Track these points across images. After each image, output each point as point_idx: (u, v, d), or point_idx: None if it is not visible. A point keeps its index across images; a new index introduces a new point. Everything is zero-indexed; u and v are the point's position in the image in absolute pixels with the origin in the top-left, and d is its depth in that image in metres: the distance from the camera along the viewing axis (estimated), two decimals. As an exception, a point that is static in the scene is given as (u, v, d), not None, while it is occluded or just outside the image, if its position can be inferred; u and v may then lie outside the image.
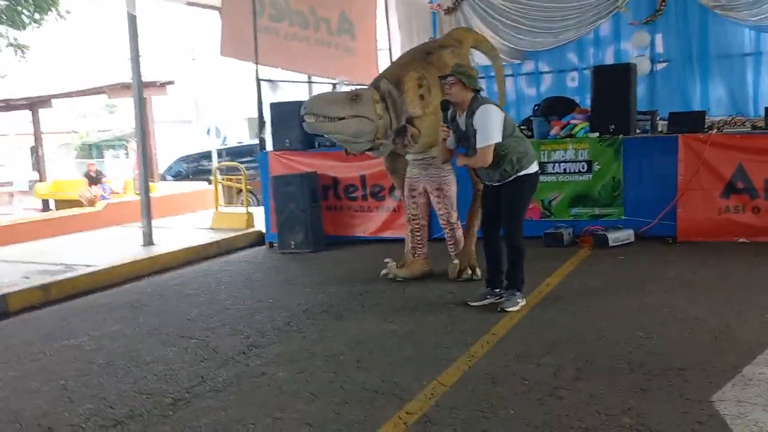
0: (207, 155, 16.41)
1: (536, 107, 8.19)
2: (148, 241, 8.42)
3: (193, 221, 10.45)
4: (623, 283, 5.48)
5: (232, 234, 8.92)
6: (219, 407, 3.52)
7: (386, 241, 7.73)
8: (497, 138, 4.72)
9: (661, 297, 5.03)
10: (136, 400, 3.69)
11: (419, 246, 6.11)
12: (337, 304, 5.40)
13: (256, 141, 10.25)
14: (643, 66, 9.49)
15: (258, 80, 8.45)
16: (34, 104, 15.88)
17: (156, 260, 7.67)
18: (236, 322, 5.08)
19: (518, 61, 10.52)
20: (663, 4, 9.61)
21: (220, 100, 29.61)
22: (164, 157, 18.32)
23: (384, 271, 6.16)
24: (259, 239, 8.84)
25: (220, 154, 15.50)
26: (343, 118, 5.24)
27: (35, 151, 18.18)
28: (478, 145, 4.73)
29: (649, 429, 2.99)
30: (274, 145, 8.21)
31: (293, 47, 9.36)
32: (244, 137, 23.53)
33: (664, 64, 9.92)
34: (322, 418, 3.29)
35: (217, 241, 8.57)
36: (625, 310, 4.76)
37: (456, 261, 5.93)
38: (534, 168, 4.93)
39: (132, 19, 8.09)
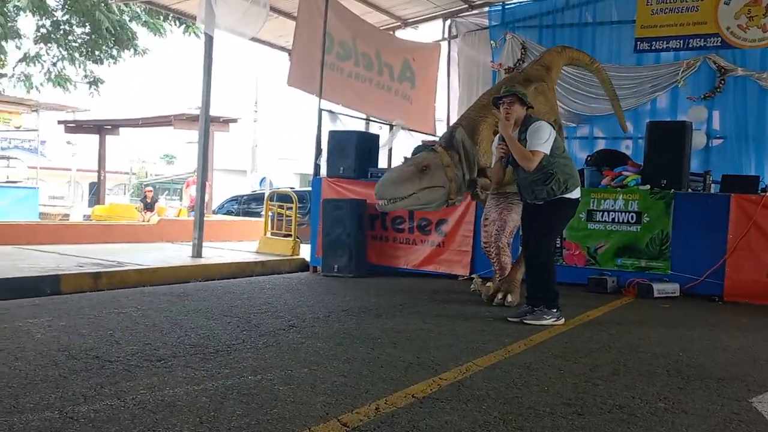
0: (258, 197, 16.87)
1: (589, 158, 8.34)
2: (197, 253, 8.68)
3: (241, 246, 10.72)
4: (665, 320, 5.46)
5: (277, 258, 9.12)
6: (259, 357, 3.64)
7: (428, 275, 7.83)
8: (546, 149, 4.82)
9: (702, 332, 5.01)
10: (179, 347, 3.84)
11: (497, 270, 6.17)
12: (376, 308, 5.52)
13: (308, 188, 10.64)
14: (699, 140, 9.61)
15: (320, 110, 8.84)
16: (101, 128, 16.71)
17: (203, 268, 7.89)
18: (278, 311, 5.24)
19: (573, 125, 10.75)
20: (722, 82, 9.81)
21: (276, 154, 30.63)
22: (217, 198, 18.88)
23: (472, 286, 6.53)
24: (303, 266, 9.00)
25: (271, 197, 15.93)
26: (414, 194, 5.34)
27: (97, 181, 18.96)
28: (529, 147, 4.82)
29: (684, 412, 3.00)
30: (328, 172, 8.49)
31: (355, 86, 9.80)
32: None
33: (720, 141, 10.04)
34: (356, 374, 3.38)
35: (262, 262, 8.77)
36: (665, 336, 4.76)
37: (489, 283, 6.05)
38: (577, 194, 5.04)
39: (209, 41, 8.63)
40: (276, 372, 3.35)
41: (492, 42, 11.29)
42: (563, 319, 5.04)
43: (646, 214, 7.10)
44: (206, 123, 9.06)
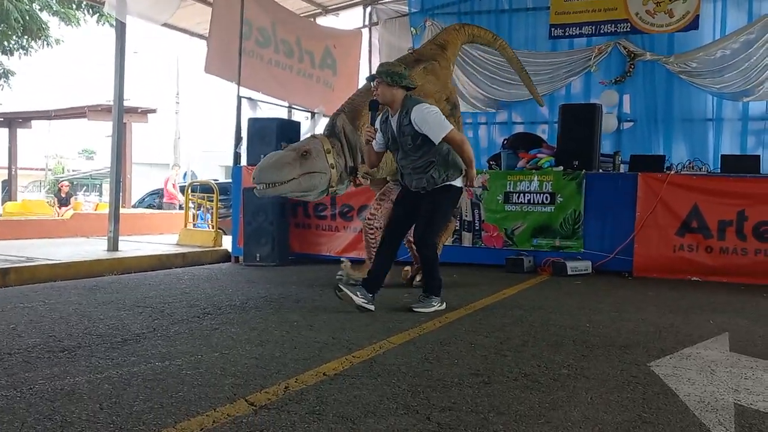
0: (180, 190, 16.50)
1: (505, 141, 8.53)
2: (113, 246, 8.43)
3: (160, 239, 10.47)
4: (577, 296, 5.65)
5: (198, 249, 8.96)
6: (168, 345, 3.57)
7: (351, 261, 7.82)
8: (450, 126, 4.65)
9: (611, 305, 5.21)
10: (85, 338, 3.73)
11: (373, 248, 5.96)
12: (296, 294, 5.50)
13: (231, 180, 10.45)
14: (610, 123, 9.95)
15: (239, 97, 8.72)
16: (12, 121, 15.97)
17: (118, 262, 7.67)
18: (194, 300, 5.15)
19: (493, 110, 10.96)
20: (632, 66, 10.18)
21: (200, 146, 30.02)
22: (138, 192, 18.40)
23: (339, 273, 6.16)
24: (225, 257, 8.87)
25: (194, 189, 15.60)
26: (295, 179, 5.13)
27: (8, 177, 18.14)
28: (438, 139, 4.61)
29: (585, 377, 3.12)
30: (248, 160, 8.37)
31: (276, 74, 9.70)
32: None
33: (630, 124, 10.41)
34: (269, 356, 3.36)
35: (182, 254, 8.60)
36: (576, 311, 4.92)
37: (407, 267, 6.13)
38: (460, 182, 4.83)
39: (120, 27, 8.37)
40: (185, 358, 3.30)
41: (412, 29, 11.35)
42: (444, 304, 4.87)
43: (559, 195, 7.31)
44: (119, 113, 8.80)
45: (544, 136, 9.63)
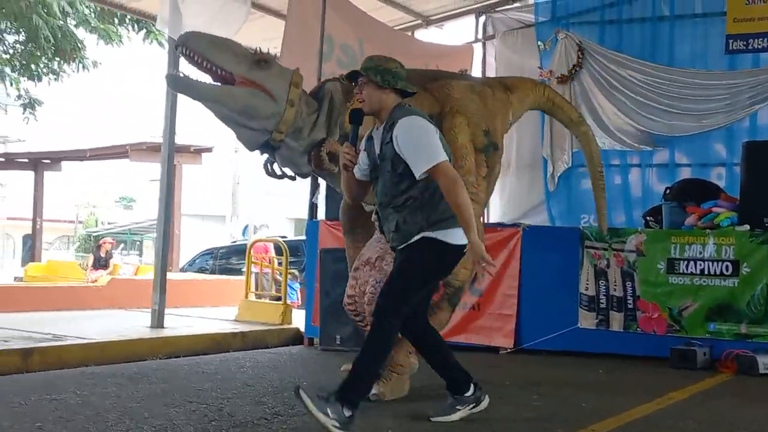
0: (239, 250, 16.98)
1: (668, 189, 8.37)
2: (158, 322, 8.73)
3: (215, 313, 10.76)
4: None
5: (262, 327, 9.15)
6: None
7: (459, 347, 7.77)
8: (442, 155, 4.25)
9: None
10: (128, 444, 3.85)
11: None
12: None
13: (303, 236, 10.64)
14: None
15: (317, 133, 8.94)
16: (38, 163, 16.97)
17: (164, 342, 7.94)
18: (259, 395, 5.26)
19: (649, 148, 10.77)
20: (844, 89, 9.84)
21: (262, 194, 30.87)
22: (187, 251, 19.05)
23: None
24: (296, 338, 9.01)
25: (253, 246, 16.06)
26: (231, 75, 4.82)
27: (32, 232, 19.15)
28: (418, 171, 4.22)
29: None
30: (327, 213, 8.56)
31: (364, 103, 9.91)
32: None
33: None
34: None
35: (242, 333, 8.81)
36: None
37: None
38: (458, 239, 4.33)
39: (174, 47, 8.80)
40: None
41: (540, 43, 11.41)
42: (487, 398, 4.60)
43: (745, 264, 7.10)
44: (170, 152, 9.21)
45: (721, 184, 9.39)
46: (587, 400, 5.37)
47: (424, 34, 12.23)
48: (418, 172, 4.22)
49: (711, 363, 6.95)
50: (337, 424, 3.99)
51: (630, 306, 7.44)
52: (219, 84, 4.87)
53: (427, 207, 4.32)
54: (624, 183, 10.91)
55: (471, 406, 4.57)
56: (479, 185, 5.69)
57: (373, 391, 4.89)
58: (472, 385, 4.60)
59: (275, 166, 5.81)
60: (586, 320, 7.52)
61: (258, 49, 5.06)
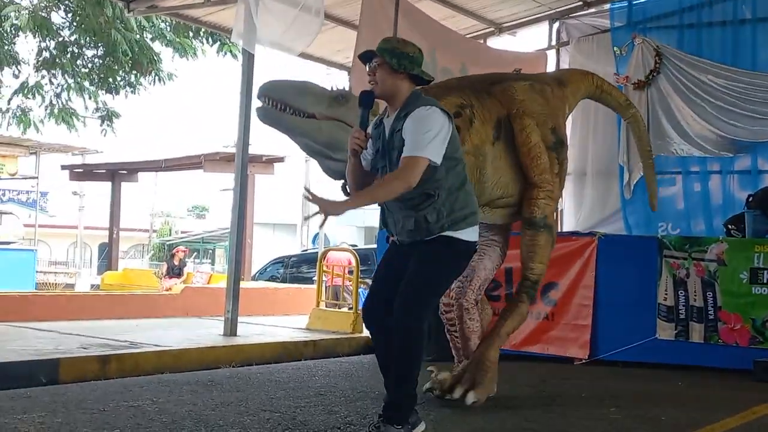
0: (310, 259, 17.18)
1: (750, 197, 8.20)
2: (231, 330, 8.85)
3: (286, 321, 10.88)
4: None
5: (333, 336, 9.21)
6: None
7: (532, 357, 7.73)
8: (433, 154, 4.09)
9: None
10: (204, 450, 3.92)
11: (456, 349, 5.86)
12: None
13: (374, 245, 10.71)
14: None
15: (389, 142, 8.98)
16: (116, 174, 17.44)
17: (237, 350, 8.04)
18: (331, 404, 5.30)
19: (730, 155, 10.53)
20: None
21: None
22: (259, 260, 19.33)
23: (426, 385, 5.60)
24: (367, 347, 9.02)
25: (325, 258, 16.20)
26: (314, 116, 4.95)
27: (109, 241, 19.69)
28: (402, 155, 4.11)
29: None
30: (399, 223, 8.56)
31: (436, 112, 9.92)
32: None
33: None
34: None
35: (313, 341, 8.88)
36: None
37: (446, 373, 5.60)
38: (472, 235, 4.32)
39: (248, 59, 8.98)
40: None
41: (616, 49, 11.28)
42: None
43: (836, 274, 6.89)
44: (243, 162, 9.34)
45: (807, 190, 9.12)
46: (666, 413, 5.26)
47: (496, 42, 12.19)
48: (404, 152, 4.09)
49: (797, 377, 6.77)
50: None
51: (711, 317, 7.28)
52: (303, 115, 5.01)
53: (447, 204, 4.20)
54: (704, 190, 10.68)
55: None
56: (553, 183, 5.76)
57: (472, 399, 5.11)
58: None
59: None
60: (665, 331, 7.38)
61: (333, 86, 5.21)
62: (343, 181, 5.20)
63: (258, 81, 9.38)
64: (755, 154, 10.49)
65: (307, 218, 4.55)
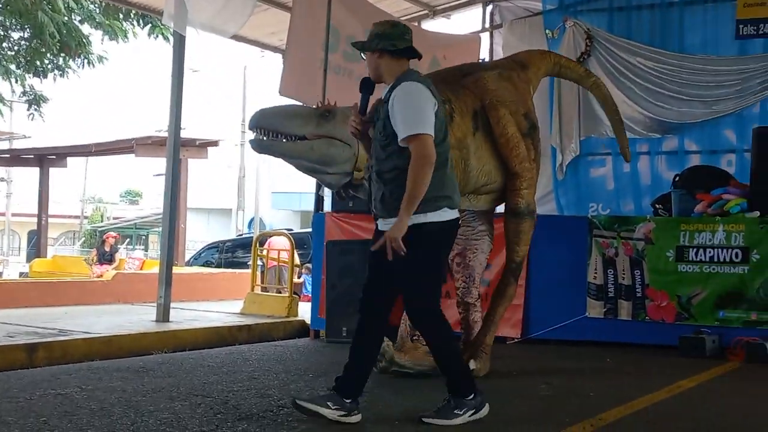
0: (245, 243, 17.08)
1: (677, 177, 8.37)
2: (164, 316, 8.78)
3: (221, 306, 10.83)
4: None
5: (268, 320, 9.20)
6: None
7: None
8: (427, 128, 4.15)
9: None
10: (132, 436, 3.88)
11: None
12: (396, 382, 5.55)
13: (310, 229, 10.72)
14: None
15: (322, 125, 8.96)
16: (44, 159, 17.07)
17: (170, 336, 8.01)
18: (264, 388, 5.30)
19: (657, 136, 10.74)
20: None
21: (268, 186, 30.96)
22: (193, 245, 19.15)
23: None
24: (302, 331, 9.07)
25: (260, 242, 16.11)
26: (305, 138, 5.12)
27: (37, 228, 19.26)
28: (402, 135, 4.16)
29: None
30: (333, 206, 8.57)
31: (369, 94, 9.91)
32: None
33: None
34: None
35: (248, 326, 8.88)
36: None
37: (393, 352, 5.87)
38: (448, 214, 4.32)
39: (179, 41, 8.85)
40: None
41: (548, 31, 11.39)
42: (485, 407, 4.34)
43: (755, 251, 7.09)
44: (175, 147, 9.24)
45: (732, 170, 9.38)
46: (595, 389, 5.38)
47: (431, 25, 12.19)
48: (401, 136, 4.16)
49: (720, 351, 6.96)
50: (473, 411, 4.26)
51: (639, 294, 7.43)
52: (294, 138, 5.16)
53: (400, 185, 4.19)
54: (633, 171, 10.86)
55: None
56: (532, 169, 6.04)
57: (474, 365, 5.49)
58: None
59: (349, 190, 5.97)
60: (594, 309, 7.52)
61: (318, 104, 5.38)
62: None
63: (190, 63, 9.31)
64: (682, 135, 10.72)
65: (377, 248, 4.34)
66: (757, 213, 7.18)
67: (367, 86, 4.49)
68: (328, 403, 4.22)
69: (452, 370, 4.34)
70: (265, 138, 5.14)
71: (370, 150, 4.57)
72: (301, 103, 9.64)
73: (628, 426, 4.33)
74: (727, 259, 7.17)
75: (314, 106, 5.39)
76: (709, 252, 7.23)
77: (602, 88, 7.45)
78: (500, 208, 6.36)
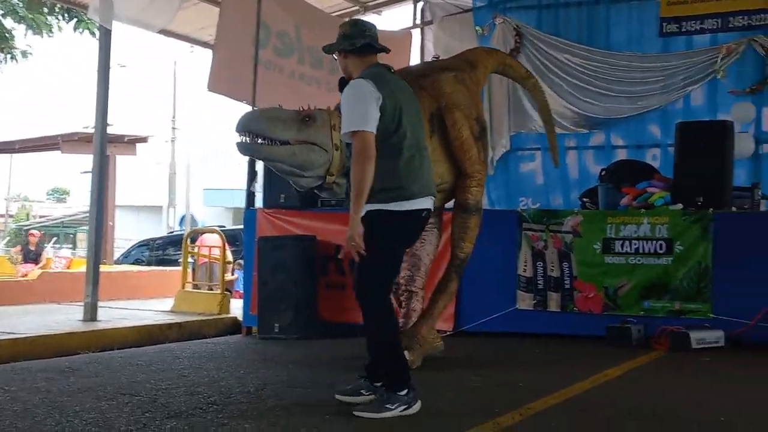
0: (176, 240, 16.82)
1: (603, 171, 8.51)
2: (91, 315, 8.63)
3: (151, 304, 10.68)
4: (706, 379, 5.57)
5: (199, 318, 9.11)
6: (162, 445, 3.62)
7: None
8: (366, 124, 4.27)
9: (754, 392, 5.10)
10: (57, 436, 3.80)
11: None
12: (329, 378, 5.51)
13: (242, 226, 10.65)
14: (745, 146, 9.80)
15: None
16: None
17: (98, 335, 7.88)
18: (194, 385, 5.23)
19: (585, 131, 10.93)
20: (773, 69, 10.07)
21: (200, 183, 30.63)
22: (123, 243, 18.86)
23: None
24: (234, 328, 9.00)
25: (194, 239, 15.92)
26: (288, 143, 5.28)
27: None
28: (344, 131, 4.40)
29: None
30: (265, 202, 8.52)
31: (300, 90, 9.89)
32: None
33: (773, 145, 10.27)
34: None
35: (178, 323, 8.78)
36: (705, 399, 4.86)
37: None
38: (409, 206, 4.43)
39: (105, 36, 8.69)
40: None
41: (478, 28, 11.50)
42: (417, 404, 4.36)
43: (678, 242, 7.23)
44: (102, 143, 9.10)
45: (657, 164, 9.59)
46: (524, 379, 5.45)
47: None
48: (342, 133, 4.40)
49: (646, 340, 7.07)
50: (405, 407, 4.28)
51: (567, 286, 7.53)
52: (279, 143, 5.28)
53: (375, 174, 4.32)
54: (562, 166, 11.00)
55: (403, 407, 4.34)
56: (483, 171, 6.24)
57: (408, 357, 5.23)
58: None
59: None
60: (524, 301, 7.61)
61: (301, 108, 5.48)
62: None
63: (117, 58, 9.14)
64: (609, 130, 10.94)
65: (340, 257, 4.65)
66: (680, 205, 7.33)
67: (342, 86, 4.66)
68: (387, 405, 4.28)
69: (389, 363, 4.39)
70: (251, 141, 5.26)
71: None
72: (231, 99, 9.68)
73: (555, 414, 4.39)
74: (652, 251, 7.31)
75: (297, 110, 5.47)
76: (635, 244, 7.36)
77: (541, 91, 7.72)
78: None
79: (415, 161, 4.52)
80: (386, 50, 4.77)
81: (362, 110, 4.30)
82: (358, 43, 4.55)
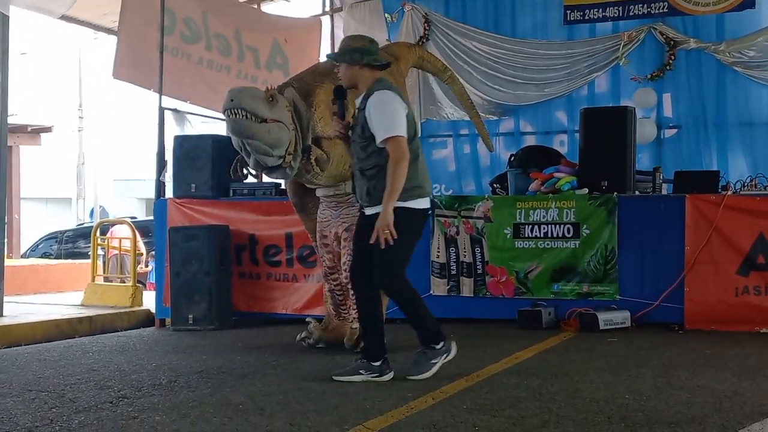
0: (86, 233, 16.43)
1: (512, 157, 8.62)
2: (-4, 311, 8.34)
3: (60, 298, 10.40)
4: (612, 358, 5.69)
5: (110, 311, 8.92)
6: (70, 442, 3.53)
7: (315, 319, 7.79)
8: (402, 130, 4.81)
9: (657, 369, 5.26)
10: (-41, 437, 3.67)
11: (342, 307, 6.34)
12: (242, 368, 5.48)
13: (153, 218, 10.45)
14: (647, 131, 10.11)
15: (161, 109, 8.74)
16: None
17: (3, 331, 7.61)
18: (104, 379, 5.14)
19: (494, 118, 11.08)
20: (672, 58, 10.36)
21: (110, 174, 29.94)
22: (30, 236, 18.35)
23: (302, 334, 6.38)
24: (147, 320, 8.84)
25: (104, 231, 15.55)
26: (266, 121, 5.49)
27: None
28: (379, 138, 4.80)
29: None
30: (175, 191, 8.37)
31: (208, 77, 9.78)
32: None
33: (674, 131, 10.59)
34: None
35: (89, 317, 8.56)
36: (611, 377, 4.96)
37: (355, 325, 6.01)
38: (421, 203, 5.01)
39: (3, 23, 8.38)
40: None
41: (387, 15, 11.52)
42: (454, 348, 5.09)
43: (585, 226, 7.37)
44: (3, 134, 8.77)
45: (563, 150, 9.78)
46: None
47: (270, 8, 12.08)
48: (379, 138, 4.78)
49: (556, 322, 7.22)
50: (446, 354, 5.02)
51: (479, 271, 7.62)
52: (260, 122, 5.50)
53: (382, 178, 4.80)
54: (473, 152, 11.21)
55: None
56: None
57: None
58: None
59: (244, 169, 6.32)
60: (438, 287, 7.66)
61: (268, 87, 5.72)
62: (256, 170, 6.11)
63: (17, 45, 8.83)
64: (518, 116, 11.14)
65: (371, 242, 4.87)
66: (586, 190, 7.46)
67: (340, 93, 5.08)
68: (360, 371, 4.88)
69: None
70: (245, 117, 5.42)
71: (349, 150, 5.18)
72: (138, 87, 9.50)
73: (467, 397, 4.43)
74: (560, 235, 7.44)
75: (264, 89, 5.70)
76: (543, 228, 7.48)
77: (458, 82, 8.03)
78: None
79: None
80: (389, 66, 5.34)
81: (397, 118, 4.83)
82: (382, 60, 5.11)
